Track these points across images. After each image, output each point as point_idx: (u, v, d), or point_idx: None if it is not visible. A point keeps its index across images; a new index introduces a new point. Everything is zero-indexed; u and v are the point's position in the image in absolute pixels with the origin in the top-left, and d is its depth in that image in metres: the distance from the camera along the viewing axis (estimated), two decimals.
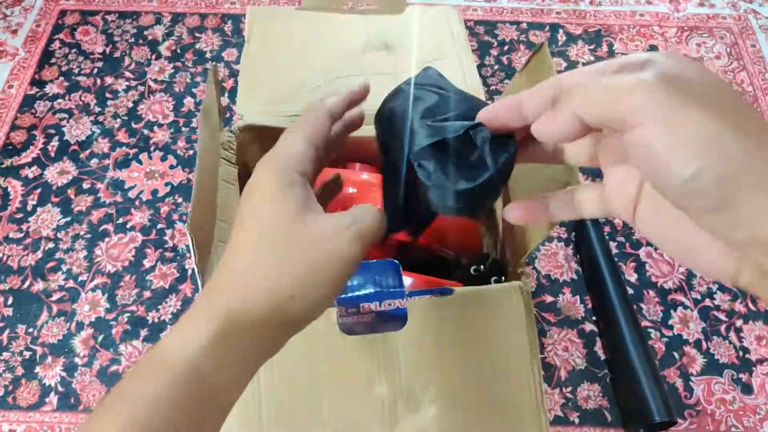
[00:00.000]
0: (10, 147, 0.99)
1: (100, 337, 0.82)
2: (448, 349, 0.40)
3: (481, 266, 0.49)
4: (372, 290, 0.39)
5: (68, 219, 0.91)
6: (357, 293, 0.39)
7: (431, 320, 0.40)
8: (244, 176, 0.49)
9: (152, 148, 0.99)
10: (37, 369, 0.80)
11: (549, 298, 0.85)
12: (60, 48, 1.10)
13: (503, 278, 0.49)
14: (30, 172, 0.96)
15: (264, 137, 0.52)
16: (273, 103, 0.53)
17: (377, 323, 0.40)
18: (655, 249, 0.89)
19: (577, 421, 0.77)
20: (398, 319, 0.39)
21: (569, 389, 0.79)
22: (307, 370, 0.39)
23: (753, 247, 0.20)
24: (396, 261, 0.40)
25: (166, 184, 0.95)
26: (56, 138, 1.00)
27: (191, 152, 0.98)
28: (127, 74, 1.07)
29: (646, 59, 0.21)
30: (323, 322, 0.39)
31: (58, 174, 0.96)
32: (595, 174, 0.96)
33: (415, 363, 0.39)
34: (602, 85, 0.21)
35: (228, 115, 0.99)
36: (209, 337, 0.24)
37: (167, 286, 0.85)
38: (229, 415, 0.34)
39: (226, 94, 1.04)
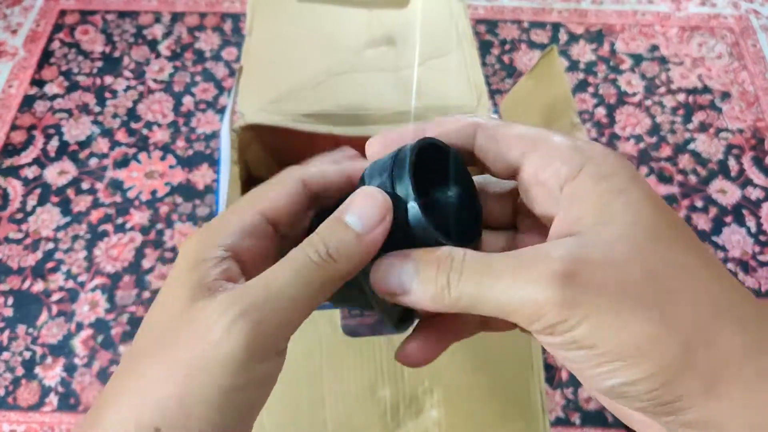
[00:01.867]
0: (10, 147, 0.98)
1: (100, 338, 0.82)
2: (451, 352, 0.40)
3: None
4: None
5: (68, 219, 0.91)
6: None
7: None
8: (244, 177, 0.49)
9: (151, 148, 0.98)
10: (37, 369, 0.80)
11: None
12: (60, 48, 1.10)
13: None
14: (30, 172, 0.96)
15: (265, 136, 0.52)
16: (274, 101, 0.52)
17: (381, 325, 0.40)
18: None
19: (578, 422, 0.76)
20: None
21: (570, 390, 0.78)
22: (309, 373, 0.39)
23: None
24: None
25: (166, 184, 0.95)
26: (56, 138, 0.99)
27: (191, 152, 0.98)
28: (127, 74, 1.07)
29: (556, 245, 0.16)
30: (324, 325, 0.39)
31: (57, 174, 0.96)
32: None
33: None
34: (501, 285, 0.16)
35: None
36: None
37: None
38: None
39: (226, 93, 1.04)
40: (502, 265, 0.16)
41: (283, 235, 0.21)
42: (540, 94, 0.46)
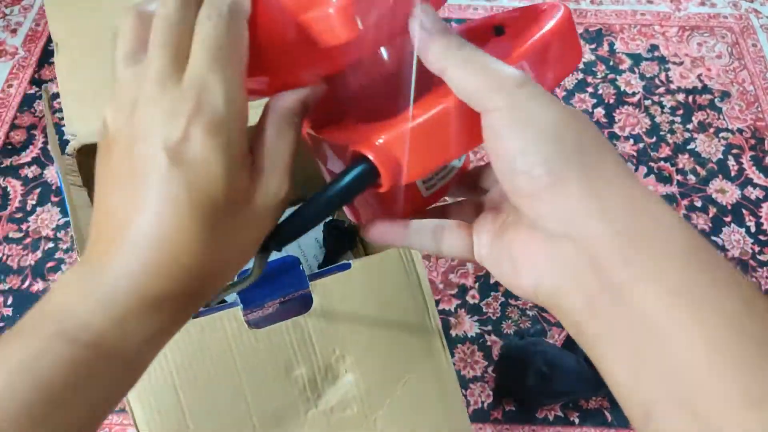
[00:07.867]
0: (10, 146, 0.98)
1: None
2: (353, 317, 0.42)
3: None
4: (274, 294, 0.41)
5: (68, 219, 0.91)
6: (258, 300, 0.40)
7: (334, 295, 0.42)
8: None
9: None
10: None
11: None
12: None
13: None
14: (30, 172, 0.96)
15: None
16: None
17: (283, 312, 0.41)
18: None
19: (577, 421, 0.77)
20: (304, 303, 0.40)
21: None
22: (224, 369, 0.39)
23: (565, 243, 0.21)
24: (295, 256, 0.41)
25: None
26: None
27: None
28: None
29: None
30: (229, 322, 0.40)
31: (57, 174, 0.96)
32: None
33: (326, 338, 0.42)
34: (480, 68, 0.22)
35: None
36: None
37: None
38: (153, 427, 0.35)
39: None
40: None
41: None
42: None
